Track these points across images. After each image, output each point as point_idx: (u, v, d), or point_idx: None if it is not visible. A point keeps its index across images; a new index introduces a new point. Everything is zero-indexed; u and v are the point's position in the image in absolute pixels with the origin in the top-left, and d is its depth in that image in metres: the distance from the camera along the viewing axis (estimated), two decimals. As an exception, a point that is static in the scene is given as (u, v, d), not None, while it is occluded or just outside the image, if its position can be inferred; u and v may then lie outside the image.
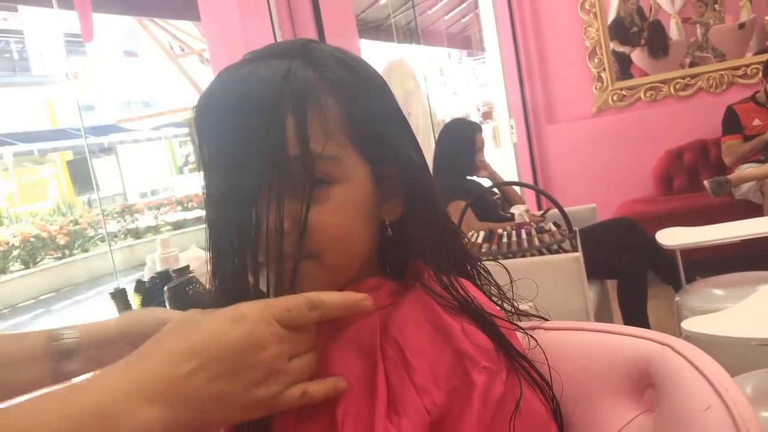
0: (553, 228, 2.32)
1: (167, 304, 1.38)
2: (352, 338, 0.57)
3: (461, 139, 2.93)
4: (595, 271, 2.42)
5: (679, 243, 2.31)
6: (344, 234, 0.58)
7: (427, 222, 0.62)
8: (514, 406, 0.53)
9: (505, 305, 0.65)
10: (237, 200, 0.55)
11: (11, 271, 9.72)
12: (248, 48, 0.63)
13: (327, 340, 0.55)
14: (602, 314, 2.61)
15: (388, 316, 0.58)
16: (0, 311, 8.69)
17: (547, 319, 0.67)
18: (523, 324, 0.63)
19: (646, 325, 2.67)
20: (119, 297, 1.70)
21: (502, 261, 0.77)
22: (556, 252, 2.20)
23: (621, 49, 4.37)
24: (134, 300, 1.69)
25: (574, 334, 0.63)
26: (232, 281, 0.57)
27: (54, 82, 18.68)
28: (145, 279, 1.69)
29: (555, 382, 0.58)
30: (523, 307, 0.67)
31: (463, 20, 9.53)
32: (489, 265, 0.68)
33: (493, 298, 0.65)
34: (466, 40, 11.59)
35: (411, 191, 0.62)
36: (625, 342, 0.59)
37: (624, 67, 4.39)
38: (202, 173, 0.59)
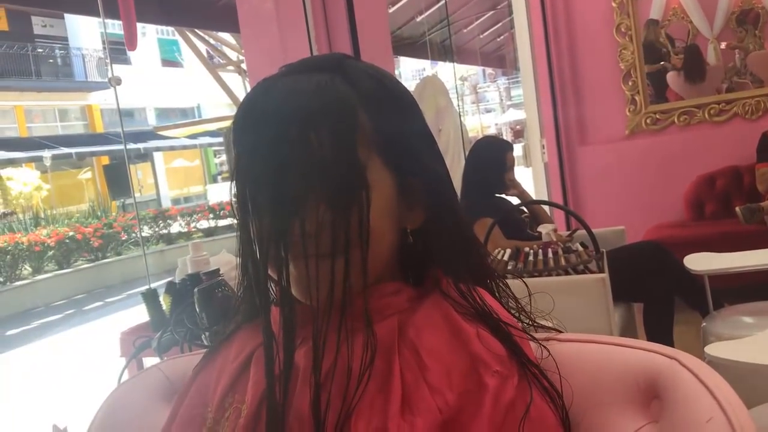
0: (580, 248, 2.31)
1: (196, 305, 1.42)
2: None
3: (492, 157, 2.94)
4: (621, 293, 2.41)
5: (707, 269, 2.29)
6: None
7: (447, 232, 0.65)
8: (524, 411, 0.55)
9: (522, 318, 0.68)
10: (274, 206, 0.58)
11: (46, 271, 9.96)
12: (285, 60, 0.67)
13: (345, 340, 0.58)
14: (627, 337, 2.59)
15: (406, 319, 0.61)
16: (37, 308, 8.95)
17: (561, 332, 0.69)
18: (538, 335, 0.65)
19: (672, 351, 2.63)
20: (150, 297, 1.76)
21: (527, 279, 0.79)
22: (582, 272, 2.19)
23: (651, 69, 4.34)
24: (164, 300, 1.73)
25: (586, 346, 0.65)
26: (261, 284, 0.61)
27: (96, 88, 19.12)
28: (176, 281, 1.73)
29: (565, 391, 0.60)
30: (542, 322, 0.69)
31: (498, 39, 9.57)
32: (511, 282, 0.70)
33: (511, 311, 0.68)
34: (500, 59, 11.61)
35: (433, 202, 0.65)
36: (634, 354, 0.60)
37: (659, 90, 4.37)
38: (234, 181, 0.62)
